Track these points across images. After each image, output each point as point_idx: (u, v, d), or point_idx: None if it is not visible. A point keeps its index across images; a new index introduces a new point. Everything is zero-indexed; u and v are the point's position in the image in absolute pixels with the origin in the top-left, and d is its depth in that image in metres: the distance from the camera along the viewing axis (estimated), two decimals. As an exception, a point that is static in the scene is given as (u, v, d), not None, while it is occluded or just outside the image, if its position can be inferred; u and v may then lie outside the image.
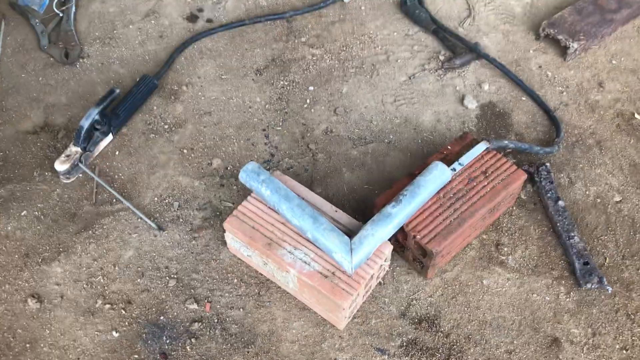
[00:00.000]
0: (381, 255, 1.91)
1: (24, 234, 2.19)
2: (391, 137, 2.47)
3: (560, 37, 2.69)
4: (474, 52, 2.71)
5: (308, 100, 2.60)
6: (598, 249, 2.15)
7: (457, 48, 2.75)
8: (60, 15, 2.86)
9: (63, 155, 2.31)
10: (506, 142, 2.25)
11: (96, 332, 1.96)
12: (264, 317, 2.00)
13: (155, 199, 2.29)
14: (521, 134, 2.47)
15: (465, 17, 2.92)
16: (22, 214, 2.24)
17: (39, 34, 2.81)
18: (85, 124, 2.32)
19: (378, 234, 1.87)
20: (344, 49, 2.79)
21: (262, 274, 2.08)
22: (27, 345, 1.94)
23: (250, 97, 2.61)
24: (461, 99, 2.59)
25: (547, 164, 2.32)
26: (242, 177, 2.03)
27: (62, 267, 2.10)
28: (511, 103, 2.58)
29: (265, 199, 1.99)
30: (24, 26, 2.86)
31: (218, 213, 2.24)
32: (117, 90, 2.41)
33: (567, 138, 2.46)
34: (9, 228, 2.20)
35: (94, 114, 2.33)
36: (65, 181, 2.33)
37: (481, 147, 2.14)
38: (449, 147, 2.20)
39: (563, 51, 2.72)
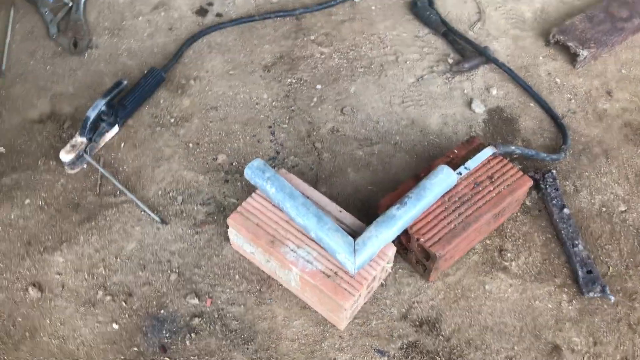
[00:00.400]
0: (384, 257, 1.91)
1: (27, 223, 2.19)
2: (397, 138, 2.47)
3: (570, 44, 2.68)
4: (483, 56, 2.70)
5: (315, 99, 2.59)
6: (602, 257, 2.15)
7: (466, 51, 2.74)
8: (70, 4, 2.86)
9: (68, 145, 2.30)
10: (513, 147, 2.24)
11: (96, 323, 1.96)
12: (265, 314, 1.99)
13: (160, 192, 2.29)
14: (528, 140, 2.47)
15: (475, 21, 2.92)
16: (26, 202, 2.24)
17: (48, 22, 2.81)
18: (92, 114, 2.32)
19: (382, 236, 1.87)
20: (353, 48, 2.79)
21: (263, 271, 2.08)
22: (27, 334, 1.93)
23: (257, 93, 2.61)
24: (469, 103, 2.58)
25: (553, 171, 2.31)
26: (247, 173, 2.02)
27: (64, 256, 2.10)
28: (519, 108, 2.57)
29: (270, 196, 1.98)
30: (33, 14, 2.86)
31: (222, 209, 2.24)
32: (125, 82, 2.40)
33: (574, 146, 2.45)
34: (12, 216, 2.20)
35: (100, 104, 2.33)
36: (69, 171, 2.32)
37: (488, 152, 2.14)
38: (456, 151, 2.19)
39: (573, 58, 2.71)
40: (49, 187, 2.28)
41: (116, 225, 2.18)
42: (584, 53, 2.64)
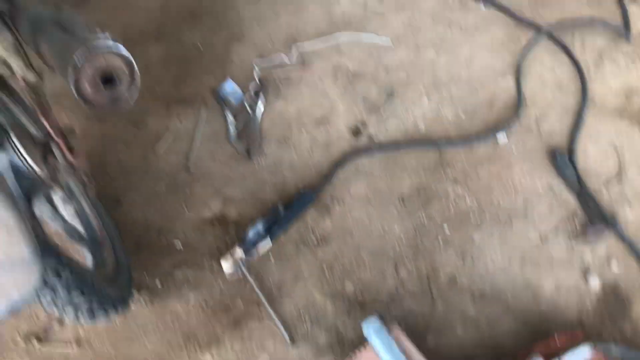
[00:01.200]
0: None
1: (189, 318, 2.74)
2: (509, 300, 2.69)
3: None
4: (611, 226, 2.81)
5: (441, 241, 2.88)
6: None
7: (595, 216, 2.86)
8: (250, 111, 3.37)
9: (229, 255, 2.82)
10: (612, 348, 2.38)
11: None
12: None
13: (293, 310, 2.73)
14: (637, 329, 2.57)
15: (612, 178, 3.00)
16: (190, 298, 2.80)
17: (229, 126, 3.34)
18: (251, 233, 2.81)
19: (467, 421, 2.17)
20: (486, 192, 3.01)
21: (365, 409, 2.46)
22: (177, 419, 2.50)
23: (389, 225, 2.94)
24: (585, 273, 2.73)
25: (652, 369, 2.42)
26: (364, 329, 2.40)
27: (212, 357, 2.63)
28: (636, 290, 2.67)
29: (379, 355, 2.35)
30: (218, 116, 3.40)
31: (340, 339, 2.64)
32: (281, 209, 2.87)
33: (684, 342, 2.53)
34: (179, 309, 2.77)
35: (259, 226, 2.82)
36: (227, 276, 2.84)
37: (584, 351, 2.31)
38: (556, 339, 2.39)
39: None
40: (210, 287, 2.82)
41: (255, 336, 2.67)
42: None
